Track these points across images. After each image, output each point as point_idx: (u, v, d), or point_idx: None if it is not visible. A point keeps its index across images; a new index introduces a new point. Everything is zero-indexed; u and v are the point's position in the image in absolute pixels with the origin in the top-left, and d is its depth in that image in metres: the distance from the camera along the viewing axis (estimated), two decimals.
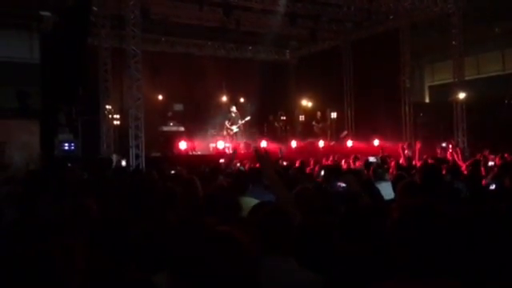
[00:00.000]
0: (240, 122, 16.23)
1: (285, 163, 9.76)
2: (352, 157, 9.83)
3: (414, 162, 8.75)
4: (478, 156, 9.65)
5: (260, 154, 3.92)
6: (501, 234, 2.56)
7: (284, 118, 18.35)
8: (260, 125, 17.84)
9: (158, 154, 13.46)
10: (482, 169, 7.13)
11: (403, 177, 4.80)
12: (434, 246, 1.66)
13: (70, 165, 9.74)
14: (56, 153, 12.55)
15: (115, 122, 14.14)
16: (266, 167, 3.93)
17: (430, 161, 8.79)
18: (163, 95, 17.43)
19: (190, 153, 13.75)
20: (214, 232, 2.11)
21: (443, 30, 16.19)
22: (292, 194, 3.78)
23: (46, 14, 14.33)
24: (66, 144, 12.50)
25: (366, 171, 6.61)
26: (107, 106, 13.85)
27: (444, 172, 6.20)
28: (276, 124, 18.02)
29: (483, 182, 5.99)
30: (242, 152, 14.32)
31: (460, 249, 1.71)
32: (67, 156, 12.04)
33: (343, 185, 5.14)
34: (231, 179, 5.96)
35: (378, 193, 4.79)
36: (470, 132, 14.96)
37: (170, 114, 16.53)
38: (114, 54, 14.04)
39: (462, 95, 15.05)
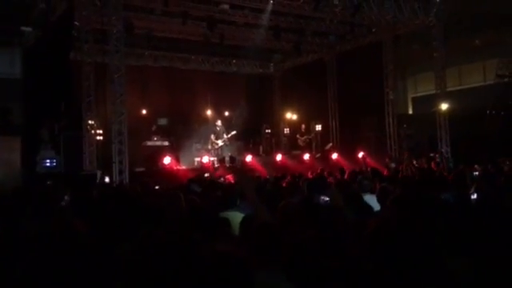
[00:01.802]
0: (225, 136, 16.16)
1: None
2: (338, 169, 9.82)
3: (400, 174, 8.76)
4: (463, 167, 9.73)
5: (240, 176, 4.15)
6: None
7: (269, 130, 18.36)
8: (245, 138, 17.79)
9: (142, 169, 13.32)
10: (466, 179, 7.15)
11: (387, 189, 4.78)
12: (408, 257, 1.63)
13: (49, 182, 9.52)
14: (37, 169, 12.33)
15: (98, 138, 13.97)
16: (246, 187, 4.07)
17: (415, 172, 8.82)
18: (147, 110, 17.32)
19: (175, 167, 13.63)
20: (216, 252, 2.07)
21: (425, 42, 16.44)
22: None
23: (28, 29, 14.20)
24: (48, 160, 12.28)
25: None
26: (90, 122, 13.69)
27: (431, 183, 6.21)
28: (262, 138, 18.01)
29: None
30: (227, 166, 14.25)
31: (432, 260, 1.68)
32: (48, 173, 11.82)
33: (326, 199, 5.09)
34: (221, 193, 5.92)
35: (364, 206, 4.74)
36: (454, 142, 15.11)
37: (154, 128, 16.41)
38: (97, 69, 13.92)
39: (444, 106, 15.23)
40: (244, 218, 3.84)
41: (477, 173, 9.05)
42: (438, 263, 1.81)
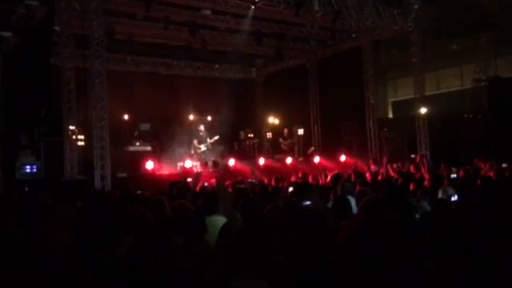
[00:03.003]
0: (208, 140, 16.17)
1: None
2: (322, 173, 9.90)
3: (379, 177, 8.87)
4: (441, 170, 9.92)
5: (220, 187, 4.21)
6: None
7: (252, 135, 18.39)
8: (228, 143, 17.82)
9: (124, 175, 13.23)
10: (446, 181, 7.30)
11: (367, 193, 4.86)
12: (380, 262, 1.62)
13: (27, 189, 9.40)
14: (17, 176, 12.15)
15: (80, 143, 13.83)
16: (223, 198, 4.14)
17: (395, 176, 8.94)
18: (129, 115, 17.20)
19: (157, 172, 13.57)
20: (178, 270, 2.09)
21: (404, 47, 16.72)
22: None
23: (7, 34, 14.01)
24: (28, 167, 12.13)
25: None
26: (71, 127, 13.54)
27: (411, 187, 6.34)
28: (245, 142, 18.04)
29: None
30: (211, 170, 14.25)
31: (406, 265, 1.68)
32: (28, 179, 11.67)
33: (308, 203, 5.16)
34: (202, 198, 5.91)
35: (348, 209, 4.81)
36: (433, 145, 15.37)
37: (136, 133, 16.32)
38: (77, 74, 13.79)
39: (423, 110, 15.50)
40: (225, 225, 3.87)
41: (455, 175, 9.25)
42: (413, 265, 1.83)
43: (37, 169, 12.31)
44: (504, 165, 10.30)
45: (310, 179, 9.42)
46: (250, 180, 10.22)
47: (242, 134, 18.28)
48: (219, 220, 4.42)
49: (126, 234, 3.86)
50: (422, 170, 8.57)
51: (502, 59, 17.53)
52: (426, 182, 7.12)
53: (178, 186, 8.15)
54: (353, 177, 8.55)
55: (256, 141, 18.33)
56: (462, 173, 9.35)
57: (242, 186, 8.39)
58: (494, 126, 15.60)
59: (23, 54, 12.81)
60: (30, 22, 12.84)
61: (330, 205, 5.15)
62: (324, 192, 6.11)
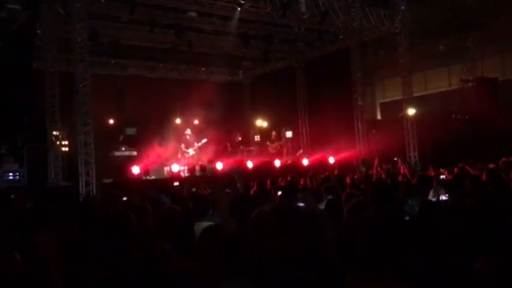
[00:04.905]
0: (196, 144, 15.99)
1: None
2: (308, 175, 9.79)
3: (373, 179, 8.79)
4: (430, 171, 9.86)
5: (216, 190, 4.19)
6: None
7: (240, 138, 18.25)
8: (216, 146, 17.63)
9: (109, 181, 12.99)
10: (434, 183, 7.22)
11: (354, 195, 4.80)
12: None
13: (13, 196, 9.19)
14: (0, 183, 11.89)
15: (64, 149, 13.58)
16: (220, 201, 4.14)
17: (384, 176, 8.87)
18: (114, 119, 16.96)
19: (144, 177, 13.36)
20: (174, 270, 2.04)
21: (391, 48, 16.72)
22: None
23: None
24: (11, 173, 11.87)
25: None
26: (55, 133, 13.29)
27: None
28: (232, 146, 17.88)
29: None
30: (197, 175, 14.10)
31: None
32: (11, 186, 11.42)
33: (301, 205, 5.05)
34: (191, 203, 5.80)
35: (338, 211, 4.72)
36: (421, 146, 15.36)
37: (121, 138, 16.09)
38: (61, 79, 13.53)
39: (411, 111, 15.49)
40: (209, 228, 3.74)
41: (443, 176, 9.19)
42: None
43: (20, 176, 12.06)
44: (491, 165, 10.27)
45: (301, 182, 9.31)
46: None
47: (229, 137, 18.12)
48: (207, 225, 4.31)
49: (114, 238, 3.79)
50: (405, 173, 8.53)
51: (488, 60, 17.61)
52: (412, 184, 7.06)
53: (167, 190, 8.01)
54: (348, 180, 8.49)
55: (244, 144, 18.16)
56: (447, 174, 9.28)
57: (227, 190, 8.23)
58: (481, 127, 15.62)
59: (5, 58, 12.56)
60: (12, 26, 12.59)
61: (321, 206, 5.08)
62: (315, 194, 6.03)
